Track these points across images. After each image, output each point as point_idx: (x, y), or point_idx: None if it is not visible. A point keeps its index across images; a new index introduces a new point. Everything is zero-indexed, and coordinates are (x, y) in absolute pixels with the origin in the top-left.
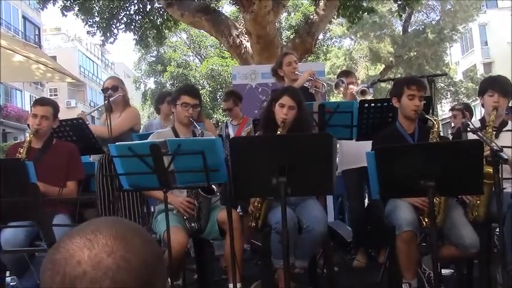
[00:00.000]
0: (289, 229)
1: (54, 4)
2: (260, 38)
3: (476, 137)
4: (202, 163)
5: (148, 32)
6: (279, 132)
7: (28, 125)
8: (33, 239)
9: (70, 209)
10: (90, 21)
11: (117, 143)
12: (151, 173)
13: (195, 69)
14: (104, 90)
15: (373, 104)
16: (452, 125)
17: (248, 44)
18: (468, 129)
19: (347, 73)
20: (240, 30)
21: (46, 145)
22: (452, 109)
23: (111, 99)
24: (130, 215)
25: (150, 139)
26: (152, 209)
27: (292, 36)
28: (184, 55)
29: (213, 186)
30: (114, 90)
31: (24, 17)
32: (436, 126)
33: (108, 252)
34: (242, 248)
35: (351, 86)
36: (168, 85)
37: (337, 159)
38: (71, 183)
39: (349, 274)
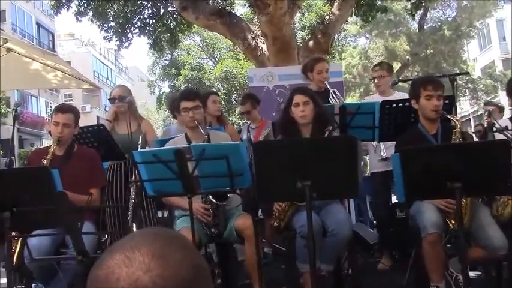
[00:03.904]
0: (314, 233)
1: (67, 9)
2: (276, 39)
3: (504, 137)
4: (227, 168)
5: (162, 36)
6: (305, 135)
7: (49, 132)
8: (58, 246)
9: (93, 217)
10: (105, 26)
11: (141, 150)
12: (175, 178)
13: (209, 72)
14: (111, 99)
15: (394, 105)
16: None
17: (264, 46)
18: (494, 128)
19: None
20: (255, 32)
21: (68, 152)
22: (487, 103)
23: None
24: (148, 221)
25: (166, 146)
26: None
27: (307, 37)
28: (198, 58)
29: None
30: (120, 100)
31: (38, 23)
32: (459, 125)
33: (145, 270)
34: (259, 255)
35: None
36: (182, 88)
37: (367, 160)
38: (94, 190)
39: (374, 277)
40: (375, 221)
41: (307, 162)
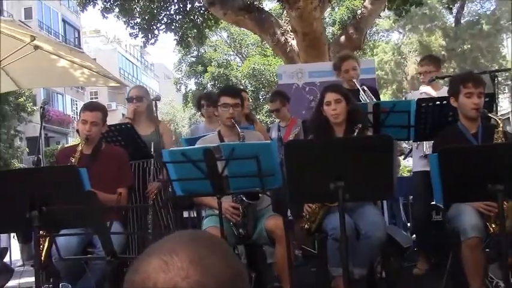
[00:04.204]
0: (347, 235)
1: (94, 6)
2: (306, 35)
3: None
4: (257, 168)
5: (188, 32)
6: (338, 135)
7: (77, 131)
8: (86, 246)
9: (121, 216)
10: (131, 23)
11: (170, 149)
12: (204, 178)
13: (236, 68)
14: (129, 99)
15: (431, 103)
16: None
17: (294, 42)
18: None
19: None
20: (284, 27)
21: (96, 151)
22: None
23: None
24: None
25: (197, 144)
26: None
27: (337, 32)
28: (225, 54)
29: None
30: (138, 101)
31: (64, 20)
32: (501, 125)
33: (183, 276)
34: (294, 255)
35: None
36: (209, 86)
37: (401, 161)
38: (122, 189)
39: (409, 282)
40: (408, 224)
41: (340, 162)
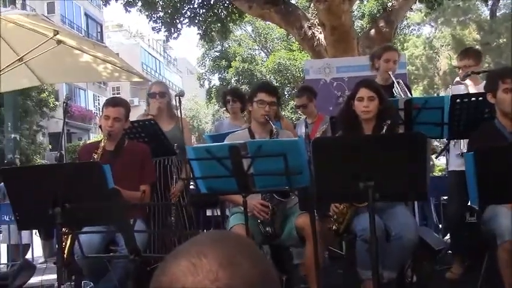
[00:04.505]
0: (377, 237)
1: (116, 0)
2: (335, 29)
3: None
4: (284, 165)
5: (212, 26)
6: (384, 130)
7: (100, 126)
8: (108, 244)
9: (144, 214)
10: (154, 17)
11: (195, 145)
12: (229, 176)
13: (261, 63)
14: (152, 94)
15: (466, 99)
16: None
17: (321, 36)
18: None
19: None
20: (311, 21)
21: (118, 147)
22: None
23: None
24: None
25: (226, 140)
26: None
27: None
28: (250, 49)
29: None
30: (161, 96)
31: (86, 15)
32: None
33: (212, 279)
34: (323, 256)
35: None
36: (233, 81)
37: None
38: (145, 186)
39: (442, 286)
40: (440, 225)
41: (370, 161)
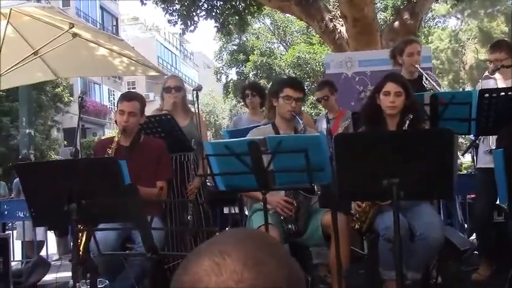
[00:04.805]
0: (401, 236)
1: None
2: (357, 21)
3: None
4: (305, 162)
5: (230, 19)
6: (391, 128)
7: (115, 122)
8: (124, 241)
9: (160, 212)
10: (170, 10)
11: (213, 141)
12: (249, 172)
13: (280, 57)
14: (167, 88)
15: (495, 94)
16: None
17: (343, 29)
18: None
19: None
20: (333, 13)
21: (134, 142)
22: None
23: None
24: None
25: (249, 136)
26: (246, 212)
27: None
28: (268, 42)
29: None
30: (177, 91)
31: (102, 8)
32: None
33: (236, 280)
34: (349, 256)
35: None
36: (251, 75)
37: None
38: (161, 183)
39: None
40: (465, 225)
41: (395, 157)
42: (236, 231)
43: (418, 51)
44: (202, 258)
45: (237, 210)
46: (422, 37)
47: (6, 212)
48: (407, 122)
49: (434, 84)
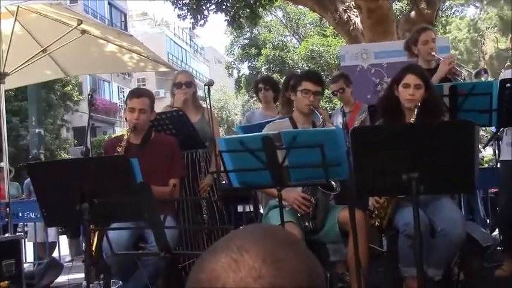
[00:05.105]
0: (421, 232)
1: None
2: (372, 12)
3: None
4: (321, 157)
5: (241, 12)
6: (412, 119)
7: (126, 119)
8: (137, 241)
9: (173, 211)
10: (179, 4)
11: (226, 137)
12: (263, 169)
13: (293, 50)
14: (178, 84)
15: None
16: None
17: (357, 20)
18: None
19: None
20: (347, 4)
21: (145, 140)
22: None
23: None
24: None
25: (265, 130)
26: (261, 210)
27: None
28: (281, 35)
29: (332, 182)
30: (188, 86)
31: (110, 4)
32: None
33: (255, 277)
34: (368, 253)
35: None
36: (263, 70)
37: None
38: (174, 180)
39: (491, 285)
40: (487, 220)
41: (414, 151)
42: (254, 227)
43: (432, 38)
44: (219, 255)
45: (251, 209)
46: (440, 27)
47: (17, 213)
48: (416, 110)
49: (459, 68)
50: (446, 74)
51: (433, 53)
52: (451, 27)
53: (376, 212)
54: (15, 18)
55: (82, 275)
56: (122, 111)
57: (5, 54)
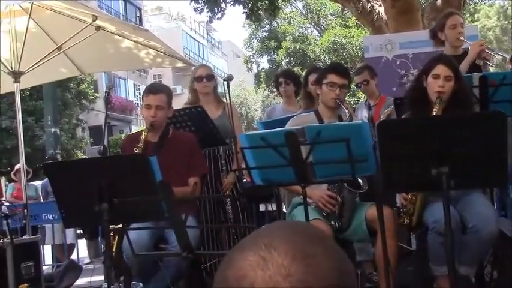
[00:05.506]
0: (452, 229)
1: None
2: (396, 0)
3: None
4: (346, 152)
5: (259, 4)
6: (435, 111)
7: (143, 116)
8: (157, 241)
9: (194, 210)
10: None
11: (248, 133)
12: (287, 165)
13: (314, 43)
14: (198, 78)
15: None
16: None
17: (381, 9)
18: None
19: None
20: None
21: (163, 137)
22: None
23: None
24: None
25: (289, 125)
26: (284, 208)
27: None
28: (301, 27)
29: (359, 179)
30: (209, 80)
31: None
32: None
33: (284, 274)
34: (398, 251)
35: None
36: (283, 63)
37: None
38: (194, 179)
39: None
40: None
41: (444, 144)
42: (281, 224)
43: (460, 23)
44: (246, 252)
45: (273, 208)
46: (468, 15)
47: (35, 215)
48: (438, 100)
49: (491, 54)
50: (477, 59)
51: (462, 38)
52: (480, 15)
53: (404, 209)
54: (29, 16)
55: (101, 278)
56: (139, 109)
57: (19, 53)
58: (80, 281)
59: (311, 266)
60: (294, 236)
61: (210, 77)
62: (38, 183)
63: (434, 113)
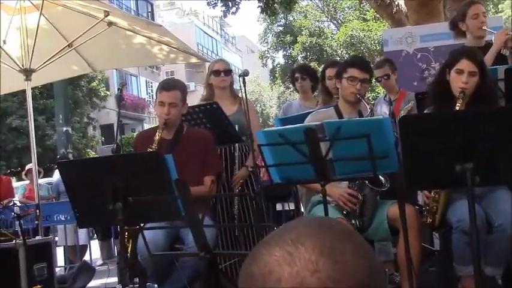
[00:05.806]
0: (477, 228)
1: None
2: None
3: None
4: (367, 149)
5: None
6: (458, 106)
7: (156, 114)
8: (173, 242)
9: (210, 210)
10: None
11: (265, 129)
12: (306, 162)
13: (331, 37)
14: (216, 72)
15: None
16: None
17: (401, 1)
18: None
19: None
20: None
21: (177, 135)
22: None
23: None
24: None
25: (308, 120)
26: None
27: None
28: (318, 21)
29: (380, 177)
30: (227, 74)
31: None
32: None
33: (312, 270)
34: (421, 251)
35: None
36: (299, 58)
37: None
38: (209, 178)
39: None
40: None
41: (468, 139)
42: (307, 219)
43: (483, 12)
44: (272, 248)
45: (290, 207)
46: (491, 6)
47: (47, 216)
48: (462, 95)
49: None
50: (503, 48)
51: (484, 27)
52: (504, 6)
53: (427, 208)
54: (40, 12)
55: (114, 279)
56: (151, 106)
57: (30, 50)
58: (93, 283)
59: (340, 263)
60: (321, 232)
61: (228, 71)
62: (47, 180)
63: (457, 108)
